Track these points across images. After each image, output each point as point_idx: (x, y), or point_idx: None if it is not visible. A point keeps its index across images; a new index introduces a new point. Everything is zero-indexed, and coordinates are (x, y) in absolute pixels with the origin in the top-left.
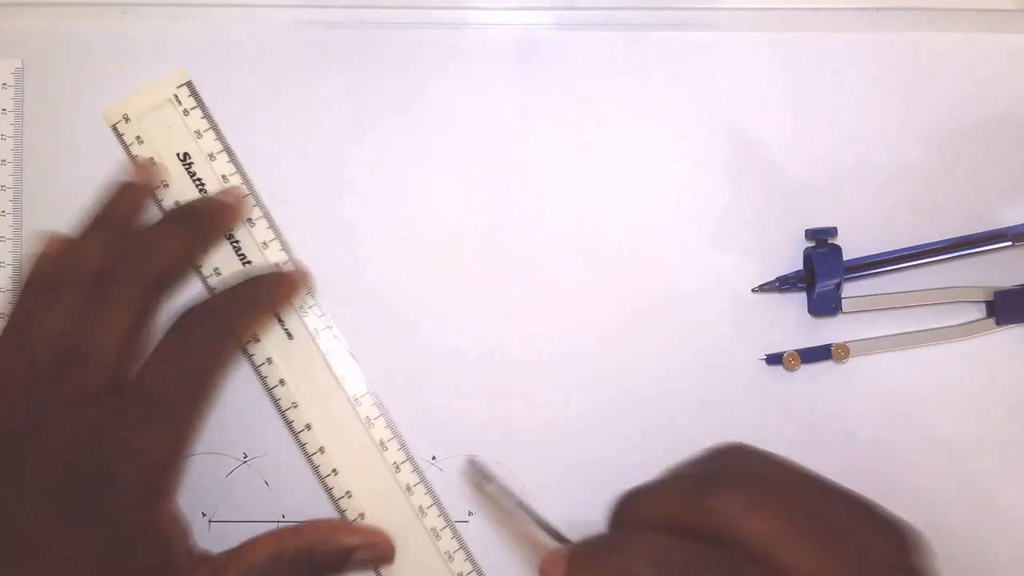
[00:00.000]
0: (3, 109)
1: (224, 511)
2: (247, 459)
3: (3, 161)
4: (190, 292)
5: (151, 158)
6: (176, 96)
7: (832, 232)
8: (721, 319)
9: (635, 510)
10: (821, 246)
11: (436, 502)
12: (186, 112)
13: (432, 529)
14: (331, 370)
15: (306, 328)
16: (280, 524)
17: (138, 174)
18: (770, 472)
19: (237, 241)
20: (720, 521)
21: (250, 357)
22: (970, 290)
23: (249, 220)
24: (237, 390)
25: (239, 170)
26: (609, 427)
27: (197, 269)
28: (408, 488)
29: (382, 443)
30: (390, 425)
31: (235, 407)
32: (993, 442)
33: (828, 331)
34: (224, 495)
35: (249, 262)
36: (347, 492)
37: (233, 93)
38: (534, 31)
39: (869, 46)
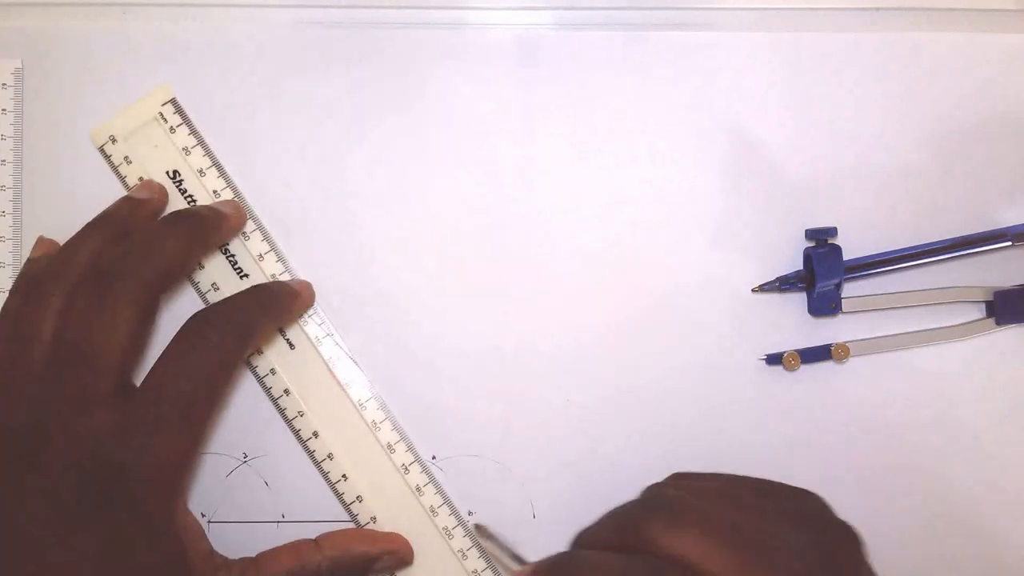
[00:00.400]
0: (3, 109)
1: (224, 511)
2: (247, 459)
3: (3, 161)
4: (187, 296)
5: (159, 184)
6: (161, 114)
7: (832, 232)
8: (721, 319)
9: (582, 542)
10: (821, 246)
11: (446, 501)
12: (172, 130)
13: (444, 528)
14: (335, 377)
15: (307, 337)
16: (280, 524)
17: (142, 192)
18: (693, 493)
19: (233, 255)
20: (648, 544)
21: (254, 368)
22: (970, 290)
23: (243, 234)
24: (237, 391)
25: (230, 184)
26: (609, 427)
27: (195, 284)
28: (418, 489)
29: (389, 446)
30: (396, 427)
31: (235, 408)
32: (993, 442)
33: (828, 331)
34: (224, 495)
35: (246, 275)
36: (358, 496)
37: (233, 93)
38: (534, 31)
39: (869, 46)
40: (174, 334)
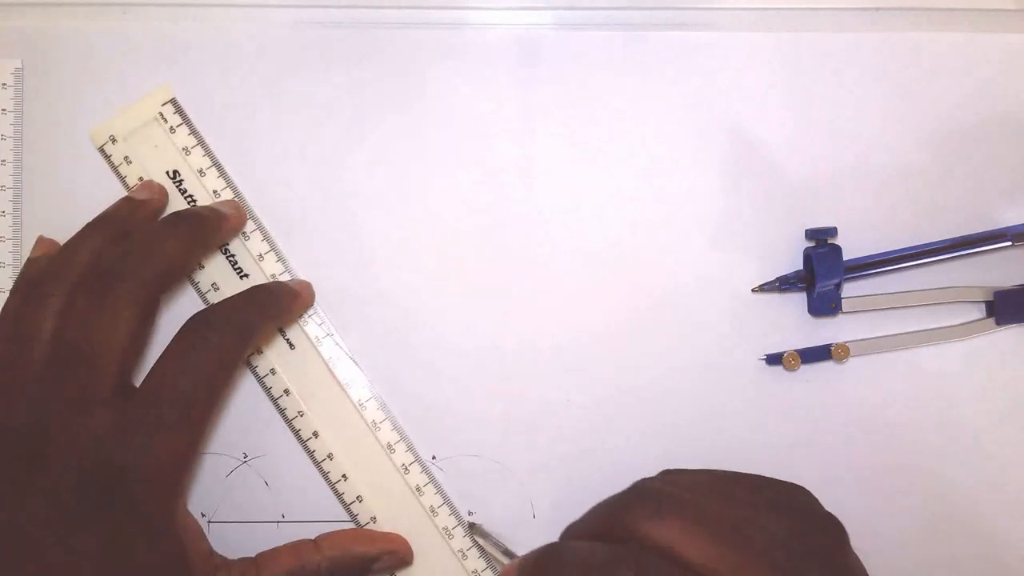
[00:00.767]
0: (3, 109)
1: (224, 511)
2: (247, 459)
3: (3, 161)
4: (187, 296)
5: (159, 184)
6: (161, 114)
7: (832, 232)
8: (721, 319)
9: (570, 534)
10: (821, 246)
11: (446, 501)
12: (172, 130)
13: (444, 528)
14: (335, 377)
15: (307, 337)
16: (280, 524)
17: (142, 192)
18: (676, 485)
19: (233, 255)
20: (631, 533)
21: (254, 368)
22: (970, 290)
23: (243, 234)
24: (237, 391)
25: (230, 184)
26: (609, 427)
27: (195, 284)
28: (418, 489)
29: (389, 446)
30: (396, 428)
31: (235, 408)
32: (993, 442)
33: (828, 331)
34: (224, 495)
35: (246, 275)
36: (358, 496)
37: (233, 93)
38: (534, 31)
39: (869, 46)
40: (174, 334)
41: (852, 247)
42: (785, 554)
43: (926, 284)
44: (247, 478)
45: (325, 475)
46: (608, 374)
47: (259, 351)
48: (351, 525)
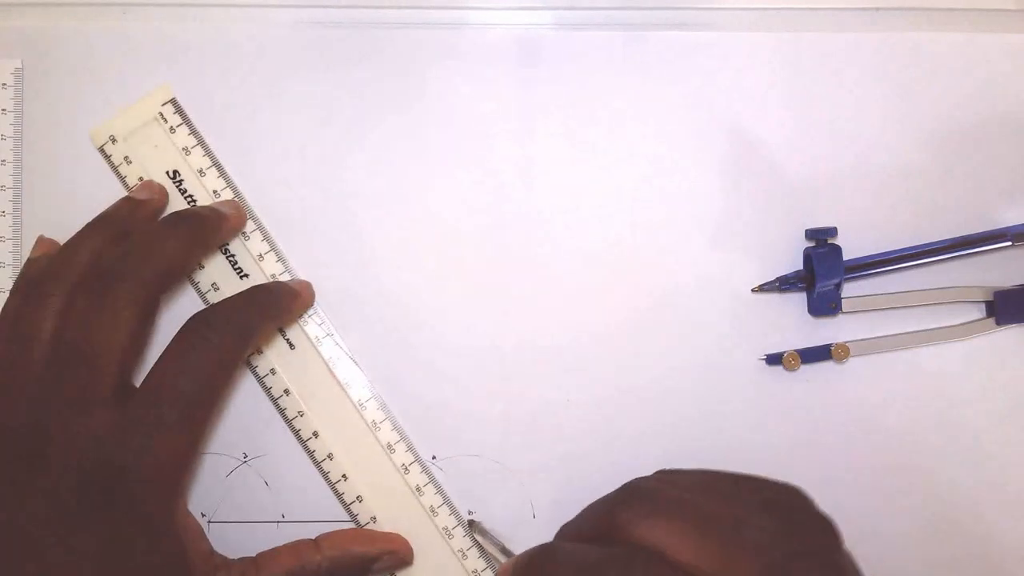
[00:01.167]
0: (3, 109)
1: (224, 511)
2: (247, 459)
3: (3, 161)
4: (187, 296)
5: (159, 184)
6: (161, 114)
7: (832, 232)
8: (721, 319)
9: (563, 534)
10: (821, 246)
11: (446, 501)
12: (172, 130)
13: (444, 528)
14: (335, 377)
15: (307, 337)
16: (280, 524)
17: (142, 192)
18: (669, 484)
19: (232, 255)
20: (621, 532)
21: (254, 368)
22: (970, 290)
23: (243, 234)
24: (237, 391)
25: (230, 184)
26: (609, 427)
27: (195, 284)
28: (418, 489)
29: (389, 446)
30: (396, 428)
31: (235, 408)
32: (993, 442)
33: (828, 331)
34: (224, 495)
35: (246, 275)
36: (358, 496)
37: (233, 93)
38: (534, 31)
39: (869, 46)
40: (174, 334)
41: (852, 247)
42: (776, 554)
43: (926, 284)
44: (247, 478)
45: (325, 475)
46: (608, 374)
47: (259, 351)
48: (351, 525)
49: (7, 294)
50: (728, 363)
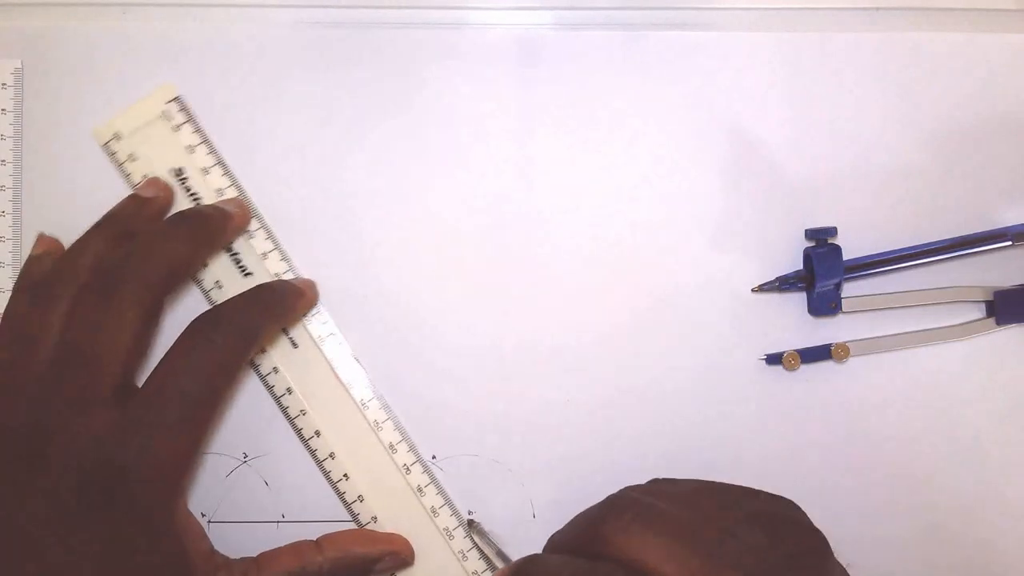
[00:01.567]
0: (3, 109)
1: (224, 511)
2: (247, 459)
3: (3, 161)
4: (191, 294)
5: (164, 181)
6: (165, 112)
7: (832, 232)
8: (721, 319)
9: (551, 545)
10: (821, 246)
11: (447, 502)
12: (177, 127)
13: (445, 529)
14: (337, 376)
15: (310, 336)
16: (280, 524)
17: (148, 189)
18: (655, 496)
19: (236, 253)
20: (604, 545)
21: (256, 367)
22: (970, 290)
23: (247, 232)
24: (237, 391)
25: (234, 183)
26: (609, 427)
27: (198, 282)
28: (419, 489)
29: (391, 446)
30: (398, 428)
31: (236, 407)
32: (993, 442)
33: (828, 331)
34: (224, 495)
35: (250, 273)
36: (359, 496)
37: (233, 93)
38: (534, 31)
39: (869, 46)
40: (178, 334)
41: (852, 247)
42: (761, 566)
43: (926, 284)
44: (247, 478)
45: (327, 474)
46: (608, 374)
47: (262, 350)
48: (351, 525)
49: (7, 293)
50: (728, 363)
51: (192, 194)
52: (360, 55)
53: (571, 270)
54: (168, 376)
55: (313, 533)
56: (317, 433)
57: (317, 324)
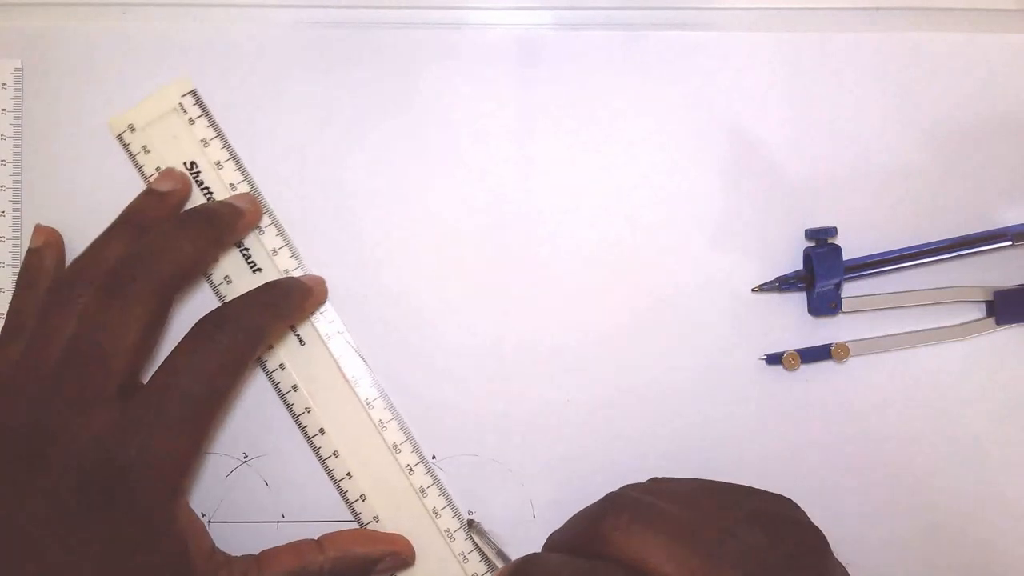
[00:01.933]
0: (3, 109)
1: (224, 511)
2: (247, 459)
3: (3, 161)
4: (200, 290)
5: (180, 171)
6: (181, 105)
7: (832, 232)
8: (721, 319)
9: (550, 544)
10: (821, 246)
11: (449, 503)
12: (192, 121)
13: (446, 530)
14: (343, 374)
15: (317, 333)
16: (280, 524)
17: (164, 183)
18: (654, 494)
19: (246, 249)
20: (603, 544)
21: (263, 363)
22: (970, 290)
23: (258, 228)
24: (240, 390)
25: (247, 178)
26: (609, 427)
27: (208, 277)
28: (422, 490)
29: (395, 446)
30: (403, 428)
31: (236, 407)
32: (993, 442)
33: (828, 331)
34: (224, 495)
35: (259, 269)
36: (361, 495)
37: (233, 93)
38: (534, 31)
39: (869, 46)
40: (185, 330)
41: (852, 247)
42: (760, 565)
43: (926, 284)
44: (247, 478)
45: (330, 472)
46: (608, 374)
47: (269, 346)
48: (351, 525)
49: (7, 293)
50: (728, 363)
51: (204, 188)
52: (360, 55)
53: (571, 270)
54: (170, 376)
55: (313, 533)
56: (321, 431)
57: (324, 322)
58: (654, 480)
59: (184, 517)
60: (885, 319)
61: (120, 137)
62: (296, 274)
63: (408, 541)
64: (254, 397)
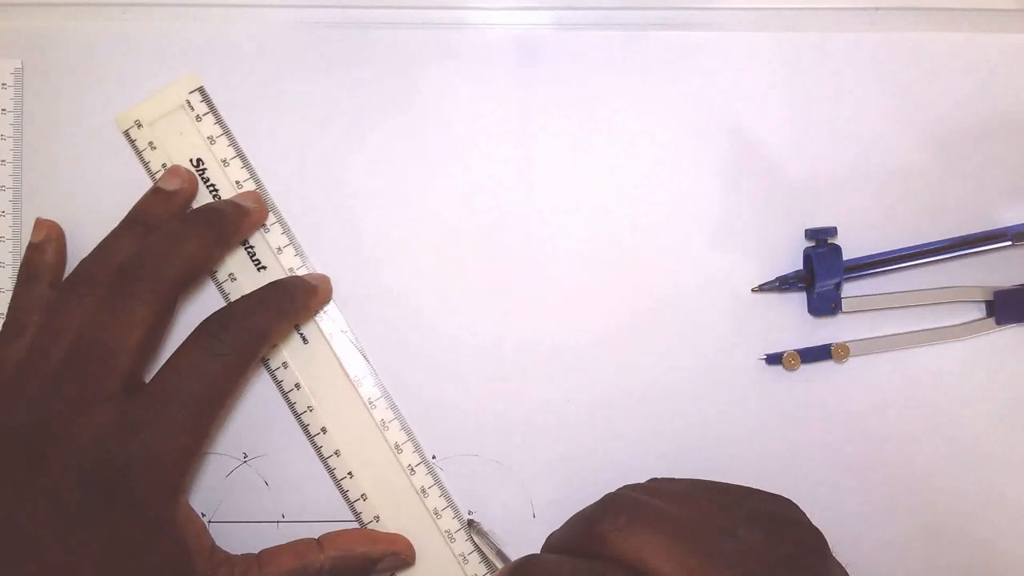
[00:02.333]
0: (3, 109)
1: (224, 511)
2: (247, 459)
3: (3, 161)
4: (204, 287)
5: (186, 169)
6: (188, 102)
7: (832, 232)
8: (721, 319)
9: (548, 545)
10: (821, 246)
11: (450, 504)
12: (198, 118)
13: (447, 531)
14: (346, 373)
15: (321, 332)
16: (280, 524)
17: (171, 182)
18: (653, 495)
19: (251, 246)
20: (604, 544)
21: (266, 362)
22: (970, 290)
23: (263, 226)
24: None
25: (253, 176)
26: (609, 427)
27: (212, 274)
28: (423, 490)
29: (397, 445)
30: (405, 428)
31: (236, 408)
32: (993, 442)
33: (828, 331)
34: (224, 495)
35: (264, 267)
36: (362, 495)
37: (233, 93)
38: (534, 31)
39: (869, 46)
40: (188, 329)
41: (852, 247)
42: (759, 565)
43: (926, 284)
44: (247, 478)
45: (331, 471)
46: (608, 374)
47: (273, 344)
48: (351, 525)
49: (7, 293)
50: (728, 363)
51: (210, 185)
52: (360, 55)
53: (571, 270)
54: (172, 376)
55: (313, 533)
56: (323, 430)
57: (328, 321)
58: (653, 480)
59: (184, 516)
60: (885, 319)
61: (126, 133)
62: (301, 272)
63: (409, 541)
64: (254, 397)
